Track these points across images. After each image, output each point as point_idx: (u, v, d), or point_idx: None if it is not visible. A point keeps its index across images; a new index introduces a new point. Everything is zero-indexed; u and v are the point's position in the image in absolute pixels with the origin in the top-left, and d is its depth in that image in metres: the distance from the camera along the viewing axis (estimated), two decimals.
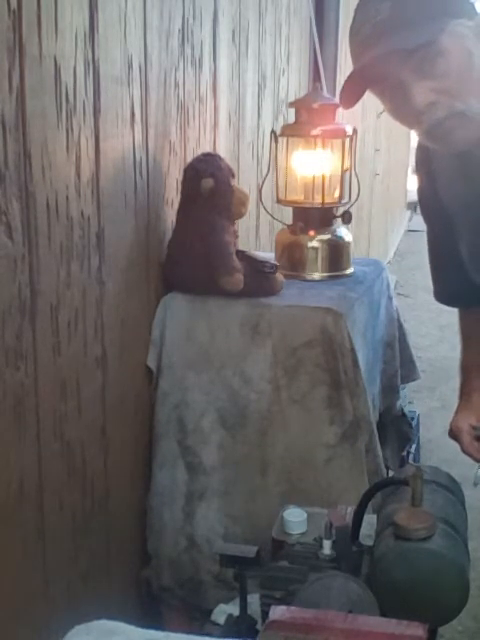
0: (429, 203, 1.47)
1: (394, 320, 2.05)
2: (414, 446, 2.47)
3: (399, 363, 2.07)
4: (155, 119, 1.61)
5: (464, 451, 1.52)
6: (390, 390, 2.04)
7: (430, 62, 1.18)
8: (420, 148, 1.43)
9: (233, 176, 1.71)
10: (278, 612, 0.97)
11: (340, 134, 1.86)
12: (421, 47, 1.17)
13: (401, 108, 1.25)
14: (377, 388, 1.95)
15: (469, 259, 1.40)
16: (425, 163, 1.42)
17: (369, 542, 1.20)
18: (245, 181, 2.17)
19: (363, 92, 1.26)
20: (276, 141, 1.90)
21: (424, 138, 1.29)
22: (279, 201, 1.94)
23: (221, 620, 1.28)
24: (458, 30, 1.18)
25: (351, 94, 1.26)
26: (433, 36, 1.17)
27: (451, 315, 1.66)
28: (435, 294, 1.56)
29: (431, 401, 3.64)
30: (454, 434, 1.53)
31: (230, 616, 1.22)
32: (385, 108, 1.28)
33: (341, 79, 3.02)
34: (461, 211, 1.38)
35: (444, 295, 1.55)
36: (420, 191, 1.49)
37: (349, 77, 1.23)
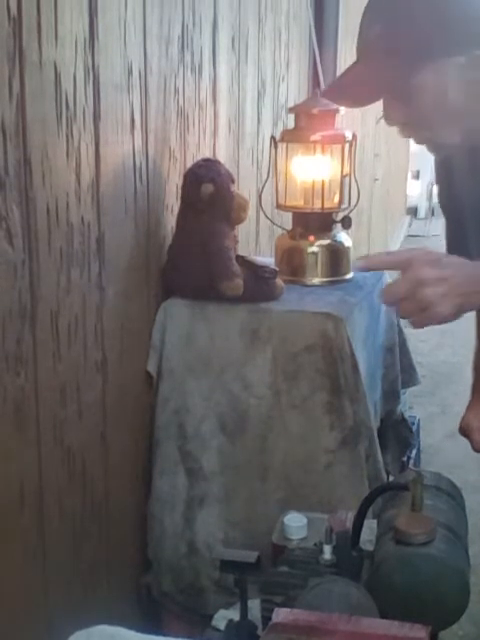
0: (443, 197, 1.48)
1: (394, 325, 2.05)
2: (414, 451, 2.47)
3: (399, 368, 2.07)
4: (155, 125, 1.61)
5: (475, 449, 1.52)
6: (391, 395, 2.04)
7: (405, 94, 1.20)
8: None
9: (233, 181, 1.71)
10: (281, 614, 0.97)
11: (339, 139, 1.87)
12: (394, 81, 1.19)
13: (385, 116, 1.28)
14: (378, 393, 1.95)
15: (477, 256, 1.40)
16: (440, 160, 1.44)
17: (369, 547, 1.19)
18: (245, 186, 2.18)
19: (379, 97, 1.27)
20: (276, 147, 1.91)
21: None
22: (279, 206, 1.95)
23: (221, 626, 1.28)
24: (439, 68, 1.17)
25: (349, 92, 1.28)
26: (407, 75, 1.17)
27: None
28: None
29: (431, 406, 3.64)
30: (465, 431, 1.53)
31: (230, 622, 1.22)
32: None
33: None
34: (469, 208, 1.38)
35: None
36: (437, 186, 1.50)
37: (346, 72, 1.27)
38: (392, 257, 1.19)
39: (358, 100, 1.29)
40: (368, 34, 1.22)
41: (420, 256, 1.09)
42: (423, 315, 1.06)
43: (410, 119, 1.23)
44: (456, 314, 1.09)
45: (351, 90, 1.26)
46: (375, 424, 1.83)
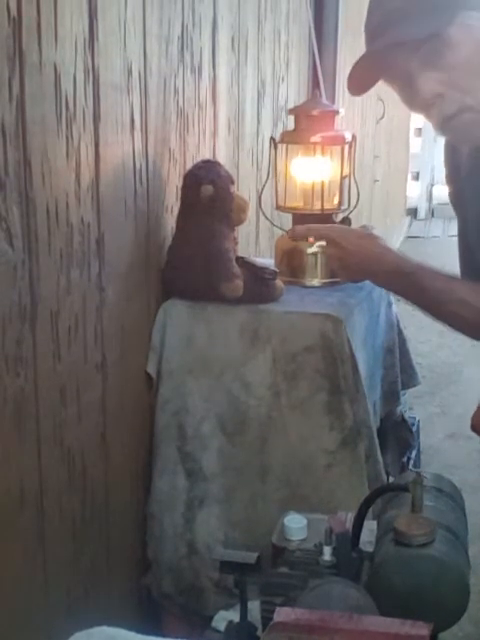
0: (451, 193, 1.47)
1: (394, 326, 2.05)
2: (414, 452, 2.47)
3: (399, 369, 2.07)
4: (155, 126, 1.61)
5: None
6: (391, 396, 2.04)
7: (437, 54, 1.18)
8: (447, 141, 1.43)
9: (233, 183, 1.71)
10: (283, 613, 0.97)
11: (339, 141, 1.87)
12: (428, 39, 1.17)
13: (411, 99, 1.25)
14: (378, 394, 1.95)
15: (477, 248, 1.41)
16: (450, 155, 1.43)
17: (369, 548, 1.19)
18: (245, 188, 2.18)
19: (374, 81, 1.26)
20: (275, 148, 1.91)
21: (437, 130, 1.29)
22: (278, 207, 1.95)
23: (221, 627, 1.28)
24: (468, 22, 1.17)
25: (361, 81, 1.27)
26: (441, 28, 1.16)
27: None
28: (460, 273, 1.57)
29: (431, 407, 3.65)
30: (477, 428, 1.53)
31: (230, 623, 1.21)
32: (400, 98, 1.28)
33: (340, 86, 3.04)
34: (469, 204, 1.38)
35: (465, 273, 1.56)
36: (448, 186, 1.49)
37: (357, 63, 1.23)
38: (314, 231, 1.54)
39: (389, 70, 1.24)
40: (389, 4, 1.20)
41: (329, 235, 1.43)
42: None
43: (447, 84, 1.20)
44: (355, 281, 1.55)
45: (381, 61, 1.22)
46: (375, 424, 1.83)
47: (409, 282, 1.35)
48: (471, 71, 1.19)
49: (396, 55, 1.20)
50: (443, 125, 1.24)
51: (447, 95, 1.20)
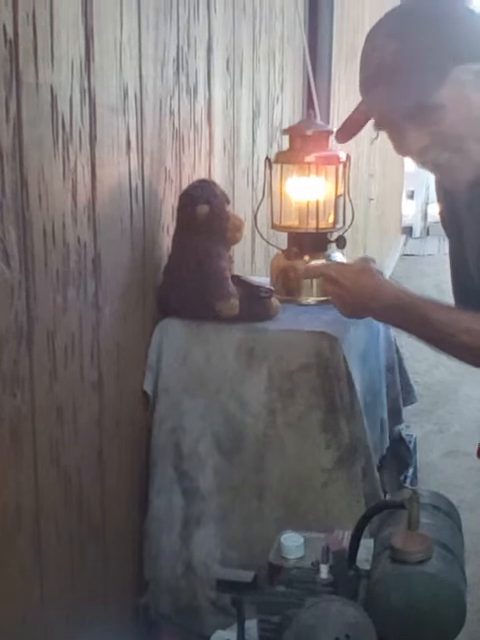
0: (445, 223, 1.49)
1: (392, 344, 2.06)
2: (411, 470, 2.47)
3: (400, 386, 2.08)
4: (151, 146, 1.63)
5: None
6: (393, 413, 2.04)
7: (426, 115, 1.19)
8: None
9: (228, 202, 1.73)
10: None
11: (334, 161, 1.88)
12: (417, 104, 1.17)
13: (400, 146, 1.26)
14: (385, 412, 1.96)
15: (477, 277, 1.42)
16: (440, 186, 1.45)
17: (366, 566, 1.19)
18: (240, 207, 2.19)
19: (360, 128, 1.27)
20: (270, 168, 1.92)
21: (423, 168, 1.31)
22: (274, 226, 1.96)
23: None
24: (460, 77, 1.17)
25: (353, 124, 1.27)
26: (431, 92, 1.17)
27: None
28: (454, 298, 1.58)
29: (428, 425, 3.65)
30: None
31: None
32: (390, 141, 1.30)
33: (335, 106, 3.06)
34: (469, 235, 1.39)
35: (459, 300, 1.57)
36: (440, 212, 1.51)
37: (354, 110, 1.25)
38: (312, 270, 1.63)
39: (380, 121, 1.25)
40: (383, 55, 1.19)
41: (328, 274, 1.41)
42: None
43: (434, 139, 1.21)
44: (356, 317, 1.48)
45: (363, 121, 1.24)
46: (383, 443, 1.83)
47: (411, 316, 1.32)
48: (462, 126, 1.20)
49: (386, 110, 1.21)
50: (432, 169, 1.27)
51: (436, 145, 1.22)
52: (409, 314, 1.32)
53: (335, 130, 1.30)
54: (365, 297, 1.36)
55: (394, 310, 1.34)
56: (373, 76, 1.22)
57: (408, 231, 8.93)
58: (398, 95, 1.18)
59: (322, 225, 1.90)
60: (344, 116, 1.28)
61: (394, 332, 2.09)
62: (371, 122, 1.29)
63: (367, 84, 1.24)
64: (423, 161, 1.27)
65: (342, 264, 1.67)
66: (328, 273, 1.42)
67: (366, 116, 1.25)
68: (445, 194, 1.44)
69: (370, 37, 1.25)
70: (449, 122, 1.20)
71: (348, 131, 1.28)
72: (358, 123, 1.27)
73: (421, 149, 1.23)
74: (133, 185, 1.55)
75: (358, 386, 1.68)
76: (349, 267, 1.45)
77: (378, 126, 1.27)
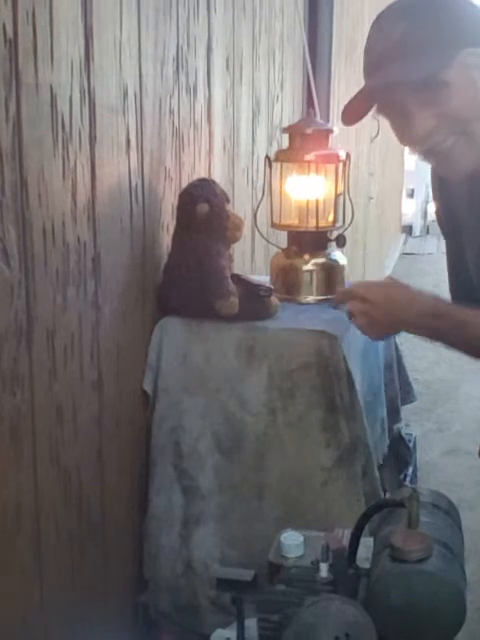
0: (442, 222, 1.49)
1: (391, 342, 2.06)
2: (411, 468, 2.47)
3: (398, 385, 2.08)
4: (150, 146, 1.63)
5: None
6: (391, 412, 2.04)
7: (433, 93, 1.20)
8: (433, 169, 1.45)
9: (228, 201, 1.73)
10: None
11: (333, 159, 1.88)
12: (426, 79, 1.18)
13: (404, 132, 1.26)
14: (385, 410, 1.96)
15: (476, 276, 1.42)
16: (437, 185, 1.44)
17: (366, 565, 1.19)
18: (240, 206, 2.19)
19: (366, 112, 1.27)
20: (270, 166, 1.92)
21: (424, 158, 1.31)
22: (274, 225, 1.96)
23: None
24: (466, 61, 1.19)
25: (356, 113, 1.28)
26: (439, 69, 1.18)
27: None
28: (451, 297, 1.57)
29: (428, 423, 3.65)
30: None
31: None
32: (392, 129, 1.30)
33: (334, 105, 3.06)
34: (468, 233, 1.39)
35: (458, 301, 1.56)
36: (436, 211, 1.51)
37: (354, 96, 1.25)
38: (344, 294, 1.53)
39: (386, 105, 1.26)
40: (390, 36, 1.21)
41: (357, 292, 1.39)
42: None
43: (440, 117, 1.21)
44: (383, 337, 1.49)
45: (378, 95, 1.24)
46: (384, 442, 1.83)
47: (448, 323, 1.30)
48: (468, 108, 1.21)
49: (393, 92, 1.22)
50: (430, 153, 1.26)
51: (442, 128, 1.22)
52: (446, 321, 1.30)
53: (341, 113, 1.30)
54: (397, 309, 1.34)
55: (430, 318, 1.31)
56: (380, 59, 1.22)
57: (408, 230, 8.93)
58: (406, 70, 1.18)
59: (322, 224, 1.90)
60: None
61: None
62: (370, 119, 1.29)
63: (373, 66, 1.24)
64: (427, 148, 1.26)
65: (367, 282, 1.66)
66: (356, 291, 1.40)
67: (369, 101, 1.25)
68: (442, 193, 1.44)
69: (377, 22, 1.26)
70: (455, 103, 1.20)
71: (350, 117, 1.28)
72: (362, 109, 1.27)
73: (427, 133, 1.23)
74: (133, 184, 1.55)
75: (358, 385, 1.68)
76: (374, 283, 1.46)
77: (381, 111, 1.27)
